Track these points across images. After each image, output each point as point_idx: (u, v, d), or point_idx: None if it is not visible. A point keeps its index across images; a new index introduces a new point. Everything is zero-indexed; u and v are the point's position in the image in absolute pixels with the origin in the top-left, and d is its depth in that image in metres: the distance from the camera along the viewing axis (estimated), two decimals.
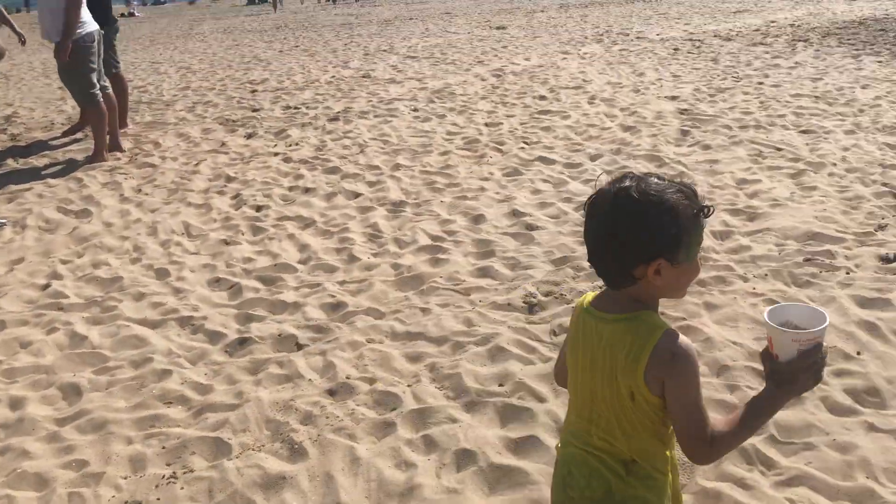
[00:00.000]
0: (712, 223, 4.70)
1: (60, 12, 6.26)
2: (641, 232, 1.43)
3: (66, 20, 6.25)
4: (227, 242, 4.92)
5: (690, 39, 12.43)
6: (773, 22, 14.16)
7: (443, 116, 8.00)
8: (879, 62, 9.37)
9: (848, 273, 3.95)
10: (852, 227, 4.52)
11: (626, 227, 1.44)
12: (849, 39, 11.27)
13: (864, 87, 8.03)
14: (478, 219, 5.06)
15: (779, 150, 6.07)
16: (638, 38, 13.16)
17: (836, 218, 4.67)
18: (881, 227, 4.49)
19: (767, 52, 10.56)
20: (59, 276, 4.52)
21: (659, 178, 1.48)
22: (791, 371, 1.49)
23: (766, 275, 4.00)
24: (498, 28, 16.79)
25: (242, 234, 5.05)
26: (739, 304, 3.71)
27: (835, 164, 5.63)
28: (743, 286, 3.89)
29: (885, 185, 5.16)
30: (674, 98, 8.07)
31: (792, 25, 13.41)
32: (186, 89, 10.63)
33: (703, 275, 4.02)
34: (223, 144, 7.32)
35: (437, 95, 9.10)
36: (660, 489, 1.59)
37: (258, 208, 5.54)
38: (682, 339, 1.48)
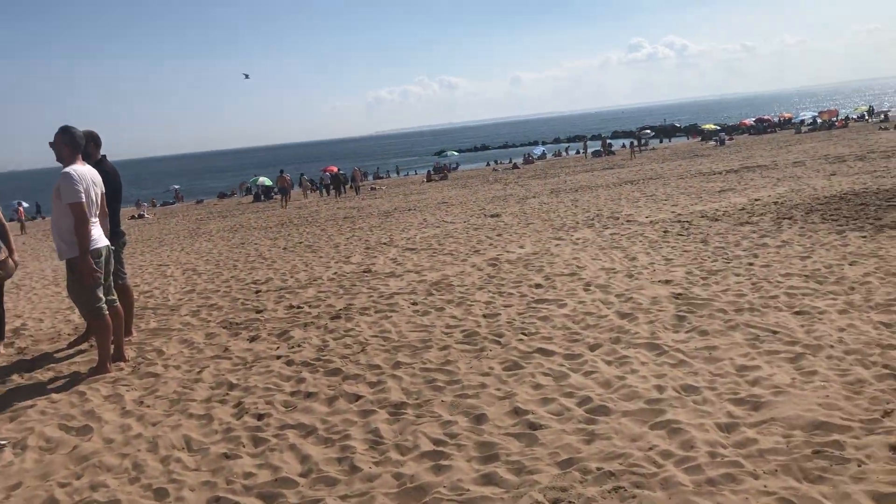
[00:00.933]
0: (717, 415, 4.68)
1: (70, 232, 6.56)
2: None
3: (79, 238, 6.53)
4: (227, 456, 4.84)
5: (679, 221, 12.88)
6: (757, 200, 14.73)
7: (441, 309, 8.14)
8: (864, 237, 9.67)
9: (860, 465, 3.87)
10: (858, 414, 4.48)
11: None
12: (832, 215, 11.68)
13: (851, 264, 8.23)
14: (479, 419, 5.02)
15: (775, 333, 6.13)
16: (628, 221, 13.65)
17: (841, 404, 4.63)
18: (888, 413, 4.45)
19: (754, 232, 10.92)
20: (55, 501, 4.42)
21: None
22: None
23: (776, 470, 3.91)
24: (492, 216, 17.44)
25: (243, 447, 4.99)
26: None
27: (832, 346, 5.67)
28: (754, 484, 3.80)
29: (885, 366, 5.17)
30: (667, 282, 8.25)
31: (776, 203, 13.94)
32: (192, 292, 10.89)
33: (711, 472, 3.95)
34: (226, 350, 7.40)
35: (436, 287, 9.31)
36: None
37: (259, 417, 5.51)
38: None
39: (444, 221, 17.48)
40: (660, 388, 5.21)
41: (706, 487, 3.82)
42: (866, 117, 61.05)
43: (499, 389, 5.53)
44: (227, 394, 6.10)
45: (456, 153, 64.15)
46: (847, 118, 60.08)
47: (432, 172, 46.41)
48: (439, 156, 66.78)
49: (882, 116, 56.65)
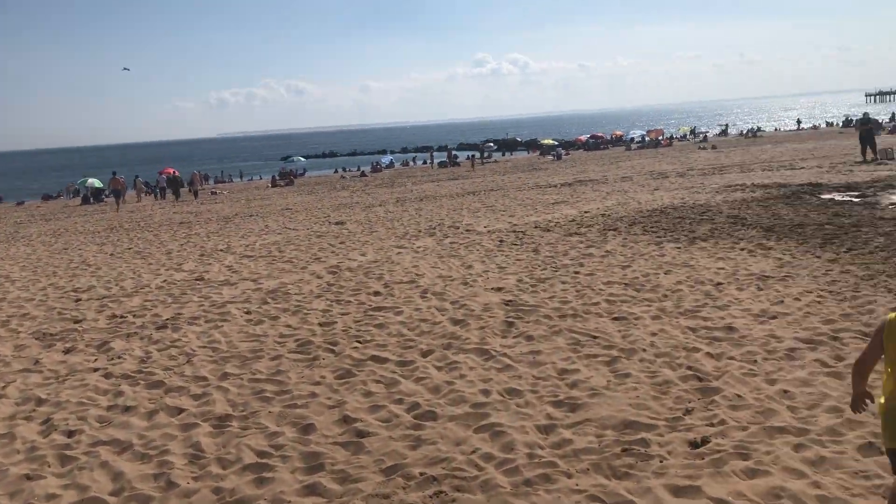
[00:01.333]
0: (537, 417, 4.86)
1: None
2: None
3: None
4: (29, 477, 4.49)
5: (514, 231, 13.34)
6: (586, 212, 15.53)
7: (276, 318, 7.97)
8: (678, 248, 10.43)
9: (661, 461, 4.15)
10: (664, 413, 4.80)
11: None
12: (652, 227, 12.51)
13: (666, 273, 8.84)
14: (307, 429, 4.95)
15: (595, 337, 6.47)
16: (467, 230, 13.98)
17: (649, 404, 4.96)
18: (688, 412, 4.81)
19: (582, 242, 11.50)
20: None
21: None
22: None
23: (588, 469, 4.12)
24: (336, 224, 17.31)
25: (49, 466, 4.64)
26: (564, 502, 3.78)
27: (644, 350, 6.06)
28: (567, 483, 3.98)
29: (689, 368, 5.58)
30: (499, 289, 8.52)
31: (603, 215, 14.75)
32: (2, 301, 10.03)
33: (528, 473, 4.10)
34: (37, 362, 6.87)
35: (272, 296, 9.11)
36: None
37: (70, 433, 5.15)
38: None
39: (287, 228, 17.16)
40: (485, 393, 5.35)
41: (523, 488, 3.96)
42: (688, 137, 66.01)
43: (329, 398, 5.48)
44: (35, 410, 5.66)
45: (303, 159, 63.17)
46: (672, 137, 64.68)
47: (277, 178, 45.42)
48: (285, 161, 65.47)
49: (702, 137, 61.43)
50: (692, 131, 71.05)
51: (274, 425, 5.05)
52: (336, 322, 7.62)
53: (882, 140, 30.68)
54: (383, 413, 5.13)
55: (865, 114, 27.02)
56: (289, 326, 7.59)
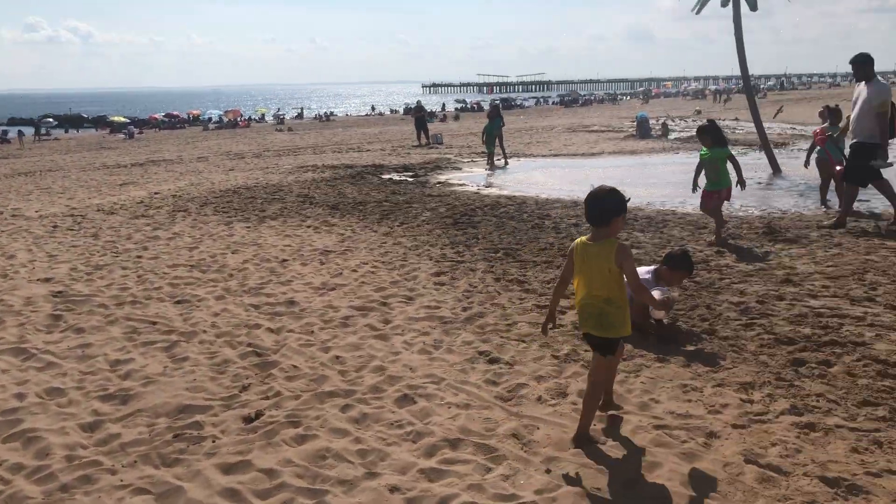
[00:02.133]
0: (81, 416, 4.45)
1: None
2: (616, 203, 3.76)
3: None
4: None
5: (72, 215, 12.09)
6: (157, 193, 14.75)
7: None
8: (248, 227, 10.46)
9: (214, 441, 4.08)
10: (220, 393, 4.74)
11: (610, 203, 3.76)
12: (223, 208, 12.35)
13: (234, 253, 8.80)
14: None
15: (154, 324, 6.15)
16: (13, 216, 12.27)
17: (206, 386, 4.86)
18: (245, 388, 4.82)
19: (149, 224, 10.88)
20: None
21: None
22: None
23: (136, 461, 3.88)
24: None
25: None
26: (105, 502, 3.50)
27: (205, 331, 5.93)
28: (111, 480, 3.69)
29: (249, 345, 5.60)
30: (47, 280, 7.62)
31: (174, 196, 14.15)
32: None
33: (66, 478, 3.71)
34: None
35: None
36: (623, 309, 3.84)
37: None
38: (626, 244, 3.84)
39: None
40: (20, 396, 4.73)
41: (58, 495, 3.57)
42: (266, 119, 66.89)
43: None
44: None
45: None
46: (250, 118, 64.93)
47: None
48: None
49: (279, 119, 62.67)
50: (274, 114, 72.18)
51: None
52: None
53: (434, 127, 34.61)
54: None
55: (418, 102, 30.20)
56: None
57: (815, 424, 4.07)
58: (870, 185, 9.49)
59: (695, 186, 8.83)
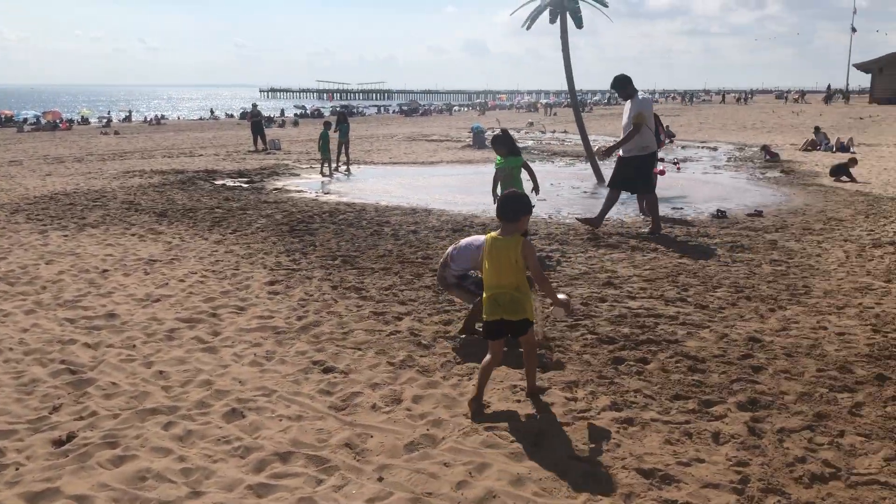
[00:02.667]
0: None
1: None
2: (525, 205, 4.41)
3: None
4: None
5: None
6: None
7: None
8: (65, 236, 9.72)
9: (17, 469, 3.74)
10: (26, 416, 4.36)
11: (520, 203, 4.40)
12: (38, 215, 11.42)
13: (48, 263, 8.15)
14: None
15: None
16: None
17: (10, 408, 4.44)
18: (56, 409, 4.45)
19: None
20: None
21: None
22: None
23: None
24: None
25: None
26: None
27: (11, 349, 5.44)
28: None
29: (63, 362, 5.19)
30: None
31: None
32: None
33: None
34: None
35: None
36: (528, 296, 4.39)
37: None
38: (529, 241, 4.48)
39: None
40: None
41: None
42: (90, 121, 62.67)
43: None
44: None
45: None
46: (72, 120, 60.60)
47: None
48: None
49: (105, 122, 58.88)
50: (99, 116, 67.71)
51: None
52: None
53: (272, 132, 33.83)
54: None
55: (254, 105, 29.39)
56: None
57: (633, 419, 4.31)
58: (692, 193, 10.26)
59: (495, 196, 8.97)
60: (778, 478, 3.67)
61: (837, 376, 4.95)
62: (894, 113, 45.97)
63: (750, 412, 4.41)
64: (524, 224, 4.46)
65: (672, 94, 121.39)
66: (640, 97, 9.95)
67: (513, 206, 4.40)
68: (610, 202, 10.17)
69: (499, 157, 8.87)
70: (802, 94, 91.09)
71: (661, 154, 11.00)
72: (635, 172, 9.91)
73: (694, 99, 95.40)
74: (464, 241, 5.85)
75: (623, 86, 9.92)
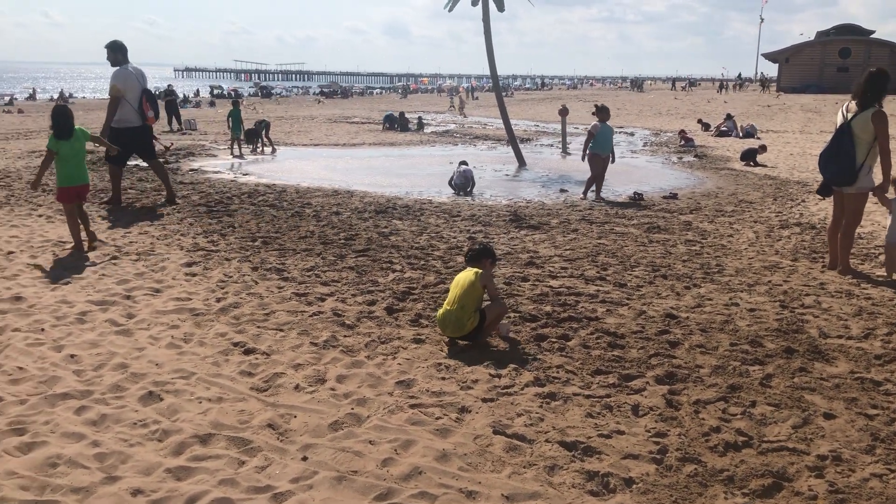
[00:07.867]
0: None
1: None
2: (489, 253, 5.67)
3: None
4: None
5: None
6: None
7: None
8: None
9: None
10: None
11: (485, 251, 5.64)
12: None
13: None
14: None
15: None
16: None
17: None
18: None
19: None
20: None
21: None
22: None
23: None
24: None
25: None
26: None
27: None
28: None
29: None
30: None
31: None
32: None
33: None
34: None
35: None
36: (469, 309, 5.12)
37: None
38: (486, 272, 5.48)
39: None
40: None
41: None
42: None
43: None
44: None
45: None
46: None
47: None
48: None
49: (8, 100, 55.88)
50: (1, 94, 64.15)
51: None
52: None
53: (187, 112, 32.81)
54: None
55: (169, 86, 28.50)
56: None
57: (555, 394, 4.38)
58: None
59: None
60: (694, 447, 3.79)
61: (749, 350, 5.15)
62: (799, 101, 48.03)
63: (667, 385, 4.54)
64: (486, 266, 5.50)
65: (619, 82, 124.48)
66: (125, 68, 10.22)
67: (478, 254, 5.55)
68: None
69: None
70: (691, 83, 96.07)
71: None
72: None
73: (643, 86, 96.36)
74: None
75: (114, 52, 10.26)
